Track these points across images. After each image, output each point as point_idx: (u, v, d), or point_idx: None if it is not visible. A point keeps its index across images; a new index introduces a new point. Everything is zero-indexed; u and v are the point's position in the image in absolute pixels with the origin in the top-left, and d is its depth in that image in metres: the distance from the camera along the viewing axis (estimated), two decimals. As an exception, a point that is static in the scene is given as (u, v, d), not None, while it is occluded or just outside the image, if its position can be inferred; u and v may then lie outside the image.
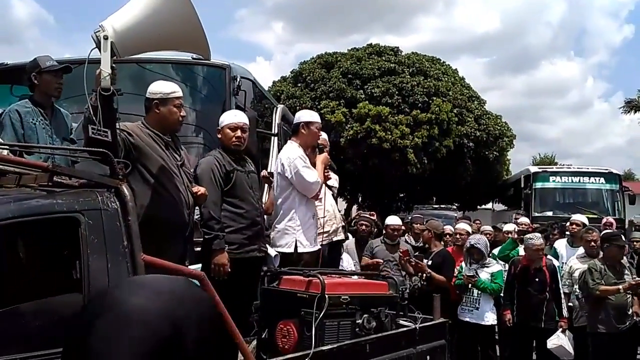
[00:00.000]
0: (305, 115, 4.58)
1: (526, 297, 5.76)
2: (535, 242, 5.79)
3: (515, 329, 5.80)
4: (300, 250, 4.22)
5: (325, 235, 4.72)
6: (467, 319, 5.80)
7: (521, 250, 6.27)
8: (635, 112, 40.88)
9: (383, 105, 20.15)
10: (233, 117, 3.95)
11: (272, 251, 4.03)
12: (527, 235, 6.15)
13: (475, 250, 5.83)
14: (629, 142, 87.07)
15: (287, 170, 4.28)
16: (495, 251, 6.53)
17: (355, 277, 4.09)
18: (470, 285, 5.79)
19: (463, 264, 5.99)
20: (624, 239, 6.46)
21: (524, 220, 8.51)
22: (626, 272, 5.50)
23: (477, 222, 8.91)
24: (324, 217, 4.71)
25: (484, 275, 5.82)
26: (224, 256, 3.62)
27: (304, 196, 4.31)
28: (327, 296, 3.14)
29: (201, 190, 3.49)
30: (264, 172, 4.66)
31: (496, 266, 5.91)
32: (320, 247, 4.50)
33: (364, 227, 6.68)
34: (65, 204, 2.38)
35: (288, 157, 4.33)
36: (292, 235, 4.24)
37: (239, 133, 3.92)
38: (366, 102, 20.10)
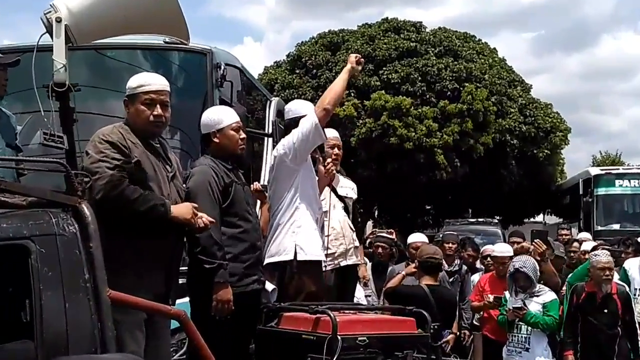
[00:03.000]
0: (305, 108, 4.56)
1: (593, 333, 5.71)
2: (602, 258, 5.74)
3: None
4: (301, 257, 4.18)
5: (329, 258, 4.72)
6: (516, 363, 5.78)
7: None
8: None
9: (403, 95, 20.22)
10: (233, 115, 3.97)
11: (268, 285, 4.03)
12: (592, 252, 6.12)
13: (521, 276, 5.80)
14: None
15: (284, 146, 4.28)
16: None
17: (375, 312, 4.07)
18: (517, 320, 5.77)
19: (507, 294, 5.97)
20: None
21: (573, 234, 8.52)
22: None
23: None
24: (328, 235, 4.71)
25: (534, 306, 5.78)
26: (228, 291, 3.60)
27: (309, 193, 4.32)
28: (339, 337, 3.14)
29: (205, 219, 3.44)
30: (255, 185, 4.66)
31: (549, 294, 5.88)
32: (325, 259, 4.49)
33: (380, 249, 6.67)
34: (10, 229, 2.38)
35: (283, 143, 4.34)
36: (291, 237, 4.21)
37: (242, 135, 3.95)
38: (382, 92, 20.18)
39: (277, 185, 4.37)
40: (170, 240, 3.33)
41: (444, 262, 6.82)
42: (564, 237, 8.25)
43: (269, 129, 5.91)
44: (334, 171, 4.70)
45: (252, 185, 4.57)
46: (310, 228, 4.26)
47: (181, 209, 3.31)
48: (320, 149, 4.57)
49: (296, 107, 4.61)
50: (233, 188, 3.81)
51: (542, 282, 5.97)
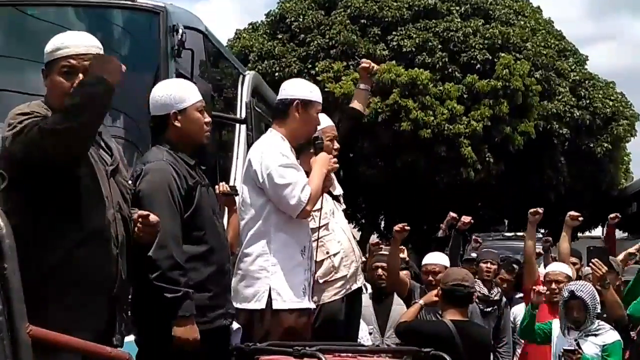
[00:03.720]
0: (302, 89, 4.62)
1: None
2: None
3: None
4: (276, 306, 4.22)
5: (340, 282, 4.76)
6: None
7: None
8: None
9: (418, 67, 20.25)
10: (196, 92, 3.98)
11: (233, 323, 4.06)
12: None
13: (577, 304, 5.84)
14: None
15: (259, 174, 4.33)
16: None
17: (381, 355, 4.09)
18: None
19: (555, 328, 6.02)
20: None
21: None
22: None
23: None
24: (337, 252, 4.77)
25: (590, 348, 5.83)
26: (195, 328, 3.63)
27: (286, 216, 4.34)
28: None
29: (153, 218, 3.45)
30: (222, 187, 4.68)
31: (611, 334, 5.92)
32: (314, 306, 4.52)
33: (381, 270, 6.72)
34: None
35: (262, 154, 4.37)
36: (264, 280, 4.26)
37: (207, 118, 3.97)
38: (392, 63, 20.19)
39: (250, 191, 4.38)
40: (115, 256, 3.31)
41: (480, 288, 6.89)
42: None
43: (241, 112, 5.93)
44: (336, 165, 4.72)
45: (217, 187, 4.59)
46: (291, 264, 4.32)
47: None
48: (314, 144, 4.62)
49: (291, 87, 4.67)
50: (198, 192, 3.82)
51: (604, 315, 6.02)
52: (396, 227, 6.11)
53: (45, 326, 2.55)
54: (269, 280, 4.26)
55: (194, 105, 3.90)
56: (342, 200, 5.21)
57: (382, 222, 24.96)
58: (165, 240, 3.58)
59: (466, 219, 7.71)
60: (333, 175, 5.13)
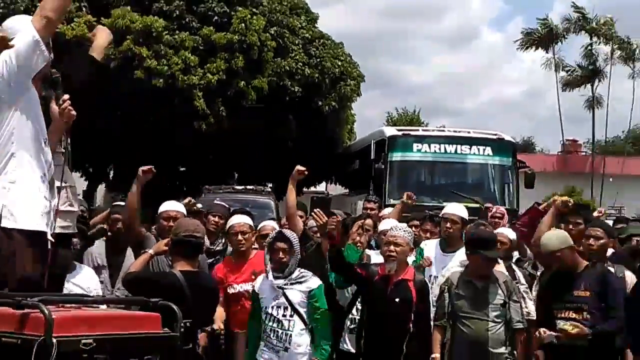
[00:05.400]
0: (21, 22, 4.34)
1: (376, 330, 6.16)
2: (397, 233, 6.23)
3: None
4: (6, 223, 4.00)
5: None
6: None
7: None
8: (537, 48, 45.91)
9: (154, 15, 19.88)
10: None
11: None
12: (385, 224, 6.56)
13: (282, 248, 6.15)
14: (529, 93, 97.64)
15: None
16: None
17: (108, 306, 4.03)
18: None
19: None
20: (509, 239, 7.22)
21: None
22: (499, 294, 6.13)
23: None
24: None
25: (296, 295, 6.18)
26: None
27: (33, 138, 4.19)
28: (55, 341, 3.09)
29: None
30: None
31: (314, 279, 6.28)
32: (52, 231, 4.34)
33: (120, 223, 6.64)
34: None
35: None
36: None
37: None
38: (126, 9, 19.71)
39: None
40: None
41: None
42: (369, 212, 8.65)
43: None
44: (73, 113, 4.56)
45: None
46: (29, 186, 4.13)
47: None
48: (52, 85, 4.49)
49: (12, 24, 4.38)
50: None
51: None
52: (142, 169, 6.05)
53: None
54: (6, 192, 4.05)
55: None
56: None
57: (111, 173, 24.44)
58: None
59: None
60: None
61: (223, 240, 7.54)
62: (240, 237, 6.78)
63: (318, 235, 6.81)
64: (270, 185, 21.96)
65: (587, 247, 6.29)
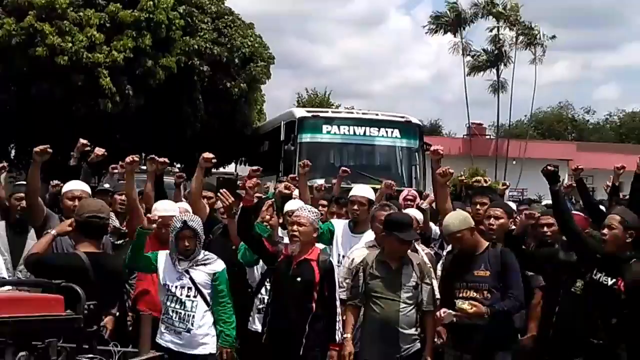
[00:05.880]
0: None
1: (280, 309, 6.23)
2: (302, 213, 6.26)
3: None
4: None
5: None
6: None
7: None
8: (445, 32, 46.60)
9: (58, -10, 19.42)
10: None
11: None
12: (290, 204, 6.62)
13: (188, 235, 6.09)
14: (436, 77, 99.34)
15: None
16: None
17: (7, 288, 3.95)
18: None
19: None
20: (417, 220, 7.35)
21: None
22: (413, 277, 6.26)
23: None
24: None
25: (201, 276, 6.17)
26: None
27: None
28: None
29: None
30: None
31: (218, 262, 6.28)
32: None
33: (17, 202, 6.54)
34: None
35: None
36: None
37: None
38: (29, -17, 19.13)
39: None
40: None
41: (112, 221, 6.89)
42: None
43: None
44: None
45: None
46: None
47: None
48: None
49: None
50: None
51: None
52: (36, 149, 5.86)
53: None
54: None
55: None
56: None
57: (12, 152, 23.79)
58: None
59: (99, 151, 7.64)
60: None
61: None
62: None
63: (225, 216, 6.79)
64: (178, 165, 21.76)
65: (487, 227, 6.46)
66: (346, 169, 9.32)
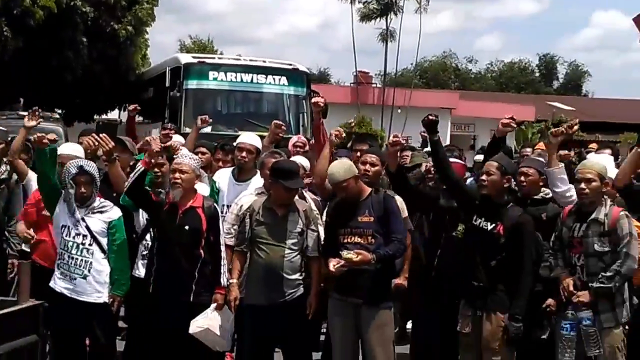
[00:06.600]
0: None
1: (167, 256, 6.29)
2: (183, 160, 6.33)
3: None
4: None
5: None
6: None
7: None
8: (333, -21, 46.38)
9: None
10: None
11: None
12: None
13: (85, 180, 6.16)
14: (325, 25, 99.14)
15: None
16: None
17: None
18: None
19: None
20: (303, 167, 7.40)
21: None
22: (299, 223, 6.34)
23: None
24: None
25: (97, 224, 6.25)
26: None
27: None
28: None
29: None
30: None
31: (115, 210, 6.36)
32: None
33: None
34: None
35: None
36: None
37: None
38: None
39: None
40: None
41: None
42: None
43: None
44: None
45: None
46: None
47: None
48: None
49: None
50: None
51: None
52: None
53: None
54: None
55: None
56: None
57: None
58: None
59: None
60: None
61: (8, 168, 7.32)
62: None
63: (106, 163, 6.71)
64: (59, 111, 21.21)
65: (363, 173, 6.58)
66: (206, 117, 9.28)
